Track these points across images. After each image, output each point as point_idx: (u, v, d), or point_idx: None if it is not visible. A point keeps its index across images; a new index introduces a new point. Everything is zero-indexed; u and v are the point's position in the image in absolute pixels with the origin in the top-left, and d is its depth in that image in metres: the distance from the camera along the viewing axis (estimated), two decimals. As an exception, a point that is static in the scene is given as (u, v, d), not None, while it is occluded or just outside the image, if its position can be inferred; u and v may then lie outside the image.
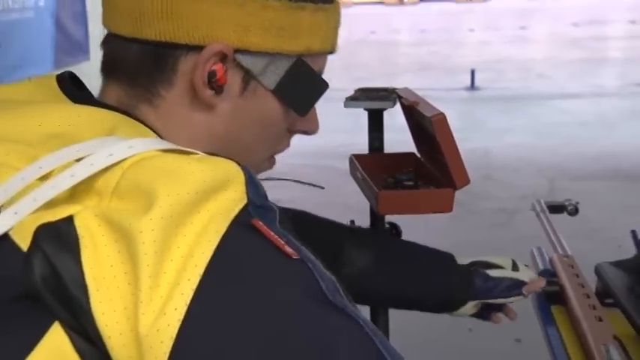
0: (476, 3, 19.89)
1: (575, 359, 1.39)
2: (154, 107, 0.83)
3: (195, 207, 0.65)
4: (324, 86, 0.89)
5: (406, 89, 1.46)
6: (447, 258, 1.30)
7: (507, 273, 1.35)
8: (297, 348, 0.64)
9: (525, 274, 1.36)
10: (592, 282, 1.56)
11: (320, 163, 5.67)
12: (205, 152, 0.82)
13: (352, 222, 1.39)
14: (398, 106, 1.47)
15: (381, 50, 12.65)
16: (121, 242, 0.64)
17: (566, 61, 10.81)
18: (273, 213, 0.71)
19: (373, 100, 1.43)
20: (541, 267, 1.68)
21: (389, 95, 1.45)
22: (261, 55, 0.82)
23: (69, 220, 0.65)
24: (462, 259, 1.35)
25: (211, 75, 0.80)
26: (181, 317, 0.61)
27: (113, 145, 0.68)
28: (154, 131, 0.81)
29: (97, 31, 6.94)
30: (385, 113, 1.46)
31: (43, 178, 0.67)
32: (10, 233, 0.65)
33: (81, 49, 6.90)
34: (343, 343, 0.65)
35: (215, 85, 0.81)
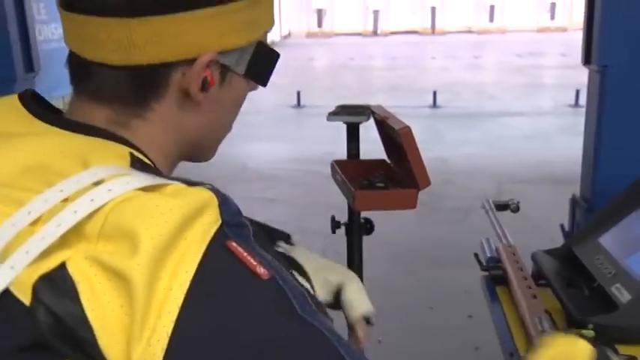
0: (437, 36, 19.86)
1: (514, 329, 1.40)
2: (144, 119, 0.77)
3: (175, 241, 0.60)
4: (277, 55, 0.84)
5: (379, 106, 1.47)
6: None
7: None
8: (263, 354, 0.61)
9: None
10: (529, 267, 1.57)
11: (307, 168, 5.60)
12: (192, 143, 0.81)
13: (333, 217, 1.39)
14: (372, 120, 1.48)
15: (359, 74, 12.60)
16: (114, 280, 0.59)
17: (511, 85, 10.82)
18: (247, 229, 0.66)
19: (351, 115, 1.43)
20: (488, 254, 1.67)
21: (364, 111, 1.45)
22: (235, 51, 0.78)
23: (62, 268, 0.60)
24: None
25: (204, 81, 0.76)
26: (164, 347, 0.58)
27: (93, 190, 0.61)
28: (136, 147, 0.74)
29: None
30: (361, 127, 1.47)
31: (33, 223, 0.61)
32: (11, 288, 0.60)
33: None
34: (303, 350, 0.62)
35: (205, 87, 0.77)
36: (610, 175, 1.77)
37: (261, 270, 0.62)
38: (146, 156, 0.74)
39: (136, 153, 0.72)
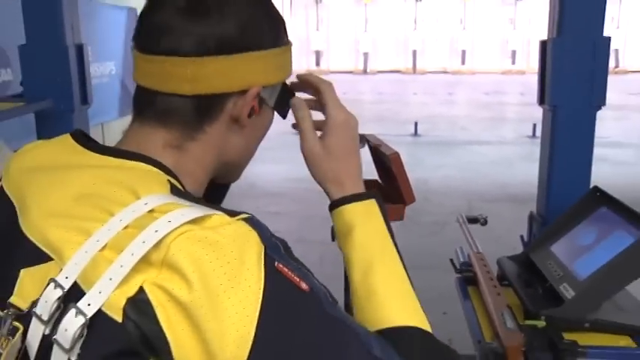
0: (418, 75, 19.81)
1: (482, 321, 1.40)
2: (196, 140, 0.77)
3: (233, 272, 0.59)
4: (293, 94, 0.85)
5: (372, 135, 1.43)
6: None
7: None
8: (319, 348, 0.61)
9: None
10: (495, 270, 1.57)
11: (306, 187, 5.39)
12: (229, 162, 0.80)
13: (332, 227, 1.37)
14: (366, 147, 1.44)
15: (351, 106, 12.20)
16: (181, 310, 0.59)
17: (479, 118, 10.73)
18: (279, 247, 0.65)
19: None
20: (462, 260, 1.67)
21: (360, 139, 1.42)
22: (270, 87, 0.80)
23: (142, 292, 0.59)
24: None
25: (252, 109, 0.77)
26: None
27: (156, 222, 0.60)
28: (172, 173, 0.73)
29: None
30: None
31: (101, 249, 0.60)
32: (103, 309, 0.58)
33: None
34: (335, 343, 0.63)
35: (252, 114, 0.78)
36: (560, 196, 1.77)
37: (303, 285, 0.63)
38: (180, 182, 0.73)
39: (173, 180, 0.71)
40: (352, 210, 0.83)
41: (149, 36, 0.74)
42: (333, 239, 1.17)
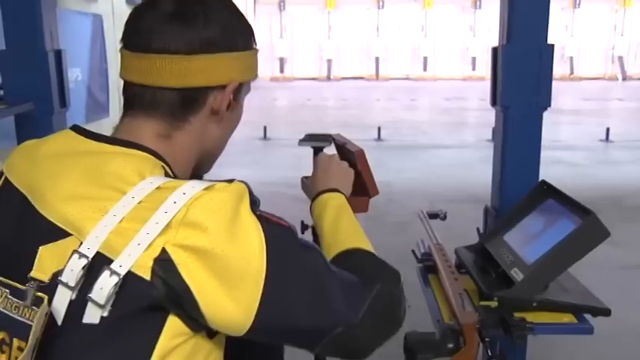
0: (381, 81, 19.95)
1: (441, 304, 1.47)
2: (182, 130, 0.85)
3: (234, 219, 0.71)
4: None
5: (338, 134, 1.51)
6: None
7: None
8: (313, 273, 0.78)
9: None
10: (453, 259, 1.62)
11: (273, 190, 5.48)
12: (207, 152, 0.91)
13: (302, 221, 1.38)
14: (333, 145, 1.48)
15: (315, 112, 12.35)
16: (199, 257, 0.68)
17: (441, 123, 10.82)
18: (258, 201, 0.78)
19: (317, 141, 1.44)
20: (422, 251, 1.73)
21: (327, 138, 1.46)
22: (245, 84, 0.90)
23: (165, 252, 0.68)
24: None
25: (230, 102, 0.87)
26: (260, 295, 0.70)
27: (173, 194, 0.71)
28: (165, 160, 0.82)
29: (115, 97, 6.91)
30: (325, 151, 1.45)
31: (120, 222, 0.69)
32: (132, 269, 0.67)
33: (103, 110, 6.82)
34: (317, 262, 0.80)
35: (230, 107, 0.88)
36: (511, 190, 1.86)
37: (283, 222, 0.78)
38: (170, 168, 0.82)
39: (166, 167, 0.81)
40: (328, 195, 1.13)
41: (140, 36, 0.83)
42: (302, 232, 1.28)
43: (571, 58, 20.07)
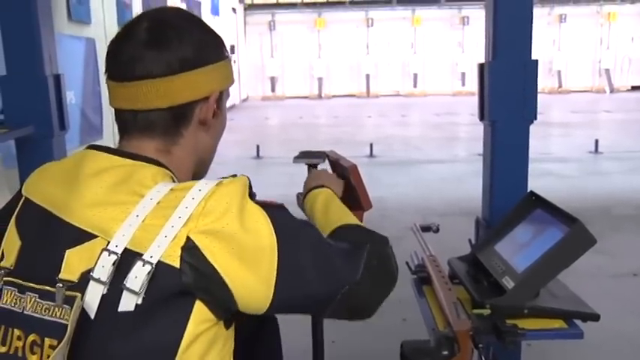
0: (371, 98, 19.97)
1: (435, 313, 1.50)
2: (178, 145, 0.91)
3: (243, 206, 0.80)
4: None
5: (332, 151, 1.56)
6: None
7: None
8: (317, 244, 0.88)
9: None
10: (446, 270, 1.66)
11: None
12: (201, 160, 0.98)
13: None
14: (327, 162, 1.53)
15: (307, 130, 12.31)
16: (219, 238, 0.77)
17: (432, 138, 10.83)
18: (255, 195, 0.87)
19: (311, 158, 1.49)
20: (416, 262, 1.76)
21: (321, 155, 1.51)
22: (224, 91, 0.97)
23: (190, 240, 0.75)
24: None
25: (214, 111, 0.94)
26: (275, 268, 0.79)
27: (190, 191, 0.79)
28: (171, 171, 0.88)
29: (109, 120, 6.93)
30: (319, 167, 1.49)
31: (143, 220, 0.76)
32: (162, 259, 0.74)
33: (97, 132, 6.82)
34: (316, 234, 0.90)
35: (215, 115, 0.95)
36: (501, 201, 1.91)
37: (277, 203, 0.87)
38: (176, 177, 0.89)
39: (174, 177, 0.88)
40: (317, 190, 1.26)
41: (123, 66, 0.89)
42: None
43: (559, 72, 20.26)
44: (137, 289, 0.73)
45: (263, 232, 0.80)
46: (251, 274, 0.78)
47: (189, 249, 0.75)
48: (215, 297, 0.77)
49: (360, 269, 0.90)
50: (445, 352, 1.21)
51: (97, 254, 0.75)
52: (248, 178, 0.86)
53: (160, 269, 0.74)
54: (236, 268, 0.77)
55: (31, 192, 0.89)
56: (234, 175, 0.85)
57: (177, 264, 0.75)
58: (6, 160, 3.09)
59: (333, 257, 0.88)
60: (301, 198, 1.32)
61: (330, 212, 1.14)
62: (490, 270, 1.62)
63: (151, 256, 0.74)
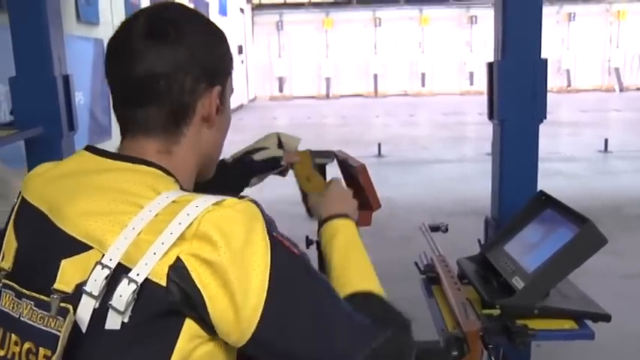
0: (379, 98, 19.93)
1: (445, 313, 1.50)
2: (180, 144, 0.88)
3: (248, 239, 0.74)
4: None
5: (339, 150, 1.54)
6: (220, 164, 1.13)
7: (269, 153, 1.39)
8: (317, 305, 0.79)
9: (285, 150, 1.39)
10: (455, 270, 1.67)
11: (274, 207, 5.51)
12: (206, 158, 0.93)
13: (307, 236, 1.41)
14: (335, 161, 1.51)
15: (315, 130, 12.20)
16: (210, 269, 0.72)
17: (440, 138, 10.78)
18: (273, 222, 0.80)
19: (320, 158, 1.47)
20: (425, 263, 1.76)
21: (330, 154, 1.50)
22: (228, 84, 0.93)
23: (179, 260, 0.72)
24: (234, 155, 1.36)
25: (218, 106, 0.90)
26: (260, 312, 0.73)
27: (186, 207, 0.74)
28: (174, 176, 0.84)
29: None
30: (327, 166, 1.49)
31: (139, 234, 0.73)
32: (149, 276, 0.71)
33: (106, 132, 6.86)
34: (323, 294, 0.81)
35: (218, 111, 0.91)
36: (511, 200, 1.89)
37: (295, 250, 0.80)
38: (178, 181, 0.85)
39: (175, 180, 0.84)
40: (338, 222, 1.13)
41: (120, 65, 0.86)
42: (307, 247, 1.29)
43: (568, 71, 20.15)
44: (121, 309, 0.70)
45: (255, 274, 0.74)
46: (232, 312, 0.74)
47: (178, 269, 0.72)
48: (201, 316, 0.75)
49: (364, 354, 0.80)
50: (455, 353, 1.21)
51: (91, 266, 0.73)
52: (258, 206, 0.79)
53: (148, 287, 0.71)
54: (220, 299, 0.73)
55: (28, 192, 0.87)
56: (246, 198, 0.79)
57: (164, 282, 0.72)
58: (10, 162, 3.09)
59: (337, 325, 0.79)
60: (316, 218, 1.22)
61: (351, 265, 1.03)
62: (500, 270, 1.61)
63: (138, 274, 0.71)
